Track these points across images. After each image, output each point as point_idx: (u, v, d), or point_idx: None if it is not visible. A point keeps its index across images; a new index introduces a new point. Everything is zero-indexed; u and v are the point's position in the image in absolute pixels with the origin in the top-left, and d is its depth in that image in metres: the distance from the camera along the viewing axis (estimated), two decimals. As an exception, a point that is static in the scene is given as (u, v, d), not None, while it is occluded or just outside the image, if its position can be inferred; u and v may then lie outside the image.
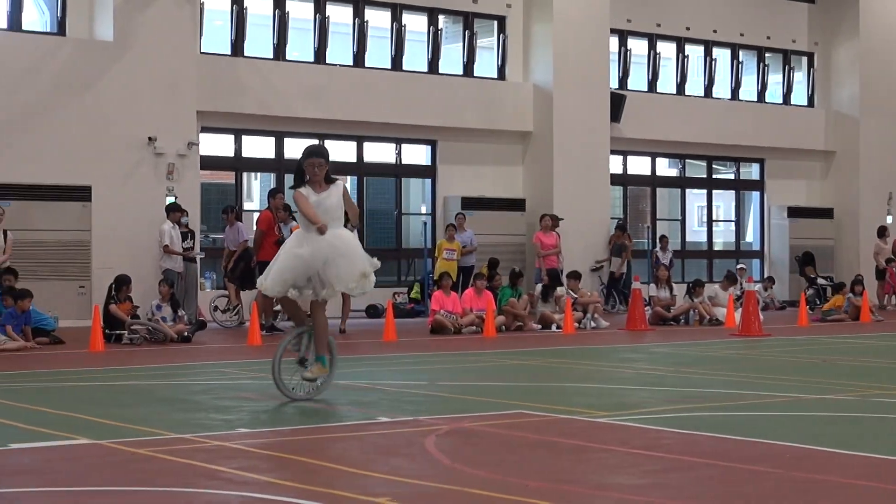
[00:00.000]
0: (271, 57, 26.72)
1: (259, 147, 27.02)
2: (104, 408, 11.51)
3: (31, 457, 8.72)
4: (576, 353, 18.46)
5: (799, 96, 35.27)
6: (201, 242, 24.53)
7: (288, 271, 11.54)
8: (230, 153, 26.57)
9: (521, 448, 9.18)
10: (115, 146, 23.54)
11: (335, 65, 27.43)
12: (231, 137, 26.53)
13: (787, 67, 34.86)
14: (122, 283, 20.08)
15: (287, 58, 26.95)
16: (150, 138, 23.74)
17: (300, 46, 27.20)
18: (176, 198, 23.54)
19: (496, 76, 29.71)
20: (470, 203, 28.14)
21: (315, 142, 27.43)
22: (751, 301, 22.06)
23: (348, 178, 28.53)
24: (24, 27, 23.89)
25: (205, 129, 25.35)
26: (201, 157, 24.90)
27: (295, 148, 27.29)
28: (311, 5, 27.24)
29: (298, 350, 11.87)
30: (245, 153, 26.78)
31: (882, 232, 32.12)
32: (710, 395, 12.59)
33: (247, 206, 26.21)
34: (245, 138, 26.69)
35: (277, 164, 27.13)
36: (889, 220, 34.04)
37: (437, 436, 9.58)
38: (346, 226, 11.90)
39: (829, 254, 33.83)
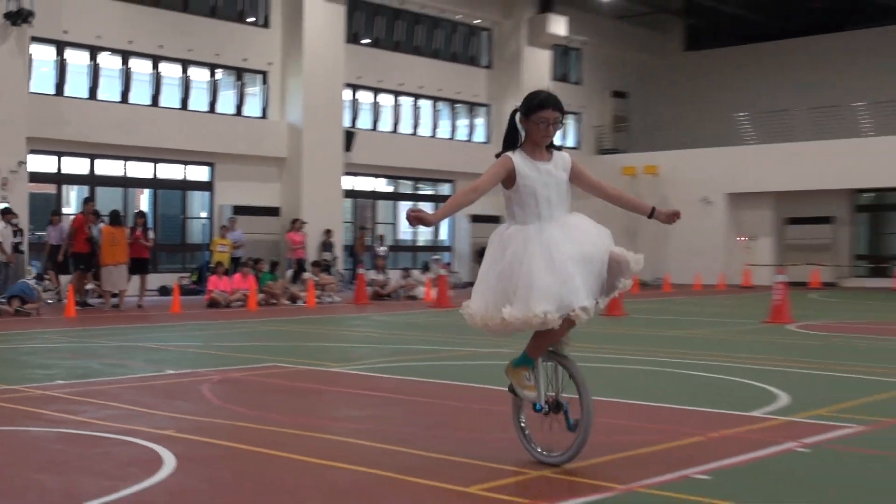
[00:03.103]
0: (87, 97, 25.66)
1: (75, 165, 25.85)
2: (-52, 366, 10.84)
3: None
4: (316, 321, 18.41)
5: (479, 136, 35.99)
6: (28, 238, 23.37)
7: (583, 279, 5.59)
8: (53, 170, 25.35)
9: (274, 392, 9.09)
10: (-42, 163, 22.20)
11: (137, 104, 26.53)
12: (54, 158, 25.31)
13: (471, 115, 35.53)
14: (-37, 269, 19.01)
15: (99, 98, 25.90)
16: (-13, 157, 22.50)
17: (110, 89, 26.17)
18: (8, 204, 22.35)
19: (261, 116, 29.30)
20: (239, 210, 27.72)
21: (118, 163, 26.56)
22: (443, 282, 22.55)
23: (146, 191, 27.68)
24: None
25: (33, 152, 24.10)
26: (29, 172, 23.68)
27: (104, 167, 26.31)
28: (119, 58, 26.26)
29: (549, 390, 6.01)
30: (64, 170, 25.60)
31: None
32: (416, 350, 12.76)
33: (65, 210, 25.07)
34: (64, 159, 25.50)
35: (90, 179, 26.05)
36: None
37: (210, 383, 9.41)
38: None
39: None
